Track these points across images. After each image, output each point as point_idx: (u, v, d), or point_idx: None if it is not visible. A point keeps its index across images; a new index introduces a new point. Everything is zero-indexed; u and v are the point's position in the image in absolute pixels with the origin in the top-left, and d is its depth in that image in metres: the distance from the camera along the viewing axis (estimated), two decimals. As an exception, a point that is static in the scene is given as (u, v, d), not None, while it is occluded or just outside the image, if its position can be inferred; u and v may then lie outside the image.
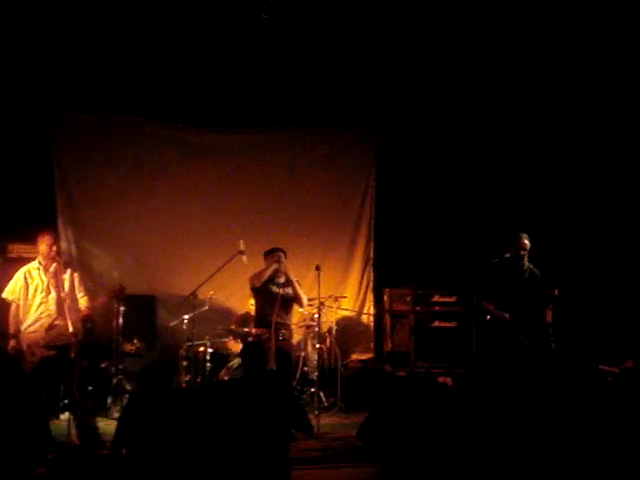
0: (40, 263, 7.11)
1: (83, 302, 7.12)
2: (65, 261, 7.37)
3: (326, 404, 8.87)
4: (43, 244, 7.08)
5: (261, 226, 10.14)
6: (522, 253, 7.81)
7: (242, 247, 8.59)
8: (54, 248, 7.08)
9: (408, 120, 10.46)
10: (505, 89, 9.81)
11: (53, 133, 9.89)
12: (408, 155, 10.58)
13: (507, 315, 7.67)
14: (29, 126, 9.65)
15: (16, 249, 8.88)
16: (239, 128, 10.46)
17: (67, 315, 6.74)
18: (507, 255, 7.96)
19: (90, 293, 7.45)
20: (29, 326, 6.96)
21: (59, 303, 6.91)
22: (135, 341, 9.12)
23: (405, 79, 9.87)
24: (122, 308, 8.52)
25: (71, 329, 6.66)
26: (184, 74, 9.52)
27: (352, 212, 10.76)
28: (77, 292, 7.11)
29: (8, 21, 8.36)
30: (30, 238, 8.67)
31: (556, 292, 7.66)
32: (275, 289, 8.12)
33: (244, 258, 8.54)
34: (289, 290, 8.19)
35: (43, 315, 6.97)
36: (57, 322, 6.92)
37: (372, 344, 10.50)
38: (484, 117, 10.25)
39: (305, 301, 8.32)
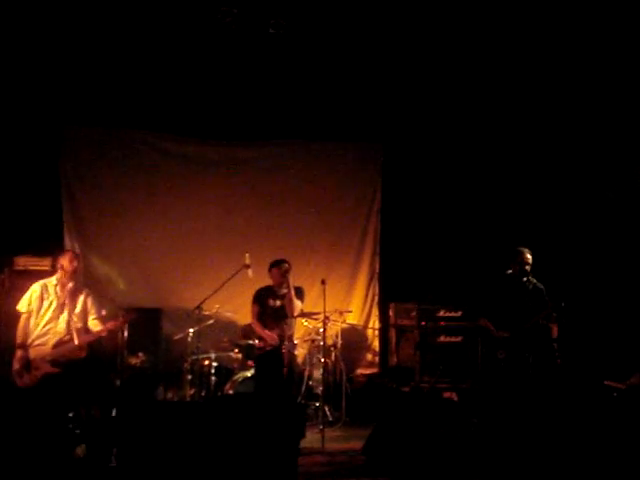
0: (58, 280, 7.11)
1: (94, 324, 7.12)
2: (82, 282, 7.35)
3: (331, 419, 8.85)
4: (65, 259, 7.10)
5: (267, 240, 10.15)
6: (525, 268, 7.77)
7: (248, 261, 8.59)
8: (75, 264, 7.09)
9: (414, 134, 10.49)
10: (511, 103, 9.82)
11: (60, 146, 9.95)
12: (414, 169, 10.60)
13: (505, 334, 7.63)
14: (36, 139, 9.71)
15: (23, 262, 8.89)
16: (245, 142, 10.50)
17: (75, 335, 6.79)
18: (510, 271, 7.93)
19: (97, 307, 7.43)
20: (36, 339, 6.96)
21: (69, 322, 6.93)
22: (140, 354, 9.11)
23: (411, 93, 9.90)
24: (128, 309, 8.49)
25: (76, 342, 6.69)
26: (191, 88, 9.58)
27: (358, 226, 10.77)
28: (89, 314, 7.14)
29: (17, 35, 8.42)
30: (37, 251, 8.74)
31: (562, 305, 7.61)
32: (272, 302, 8.11)
33: (250, 272, 8.53)
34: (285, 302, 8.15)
35: (51, 331, 6.98)
36: (65, 340, 6.93)
37: (377, 359, 10.50)
38: (491, 131, 10.25)
39: (293, 312, 8.10)
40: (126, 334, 8.51)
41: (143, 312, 9.39)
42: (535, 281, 7.84)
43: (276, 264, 8.15)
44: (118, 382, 8.71)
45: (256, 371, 8.29)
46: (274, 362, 7.86)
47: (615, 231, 9.83)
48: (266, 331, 8.00)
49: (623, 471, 5.81)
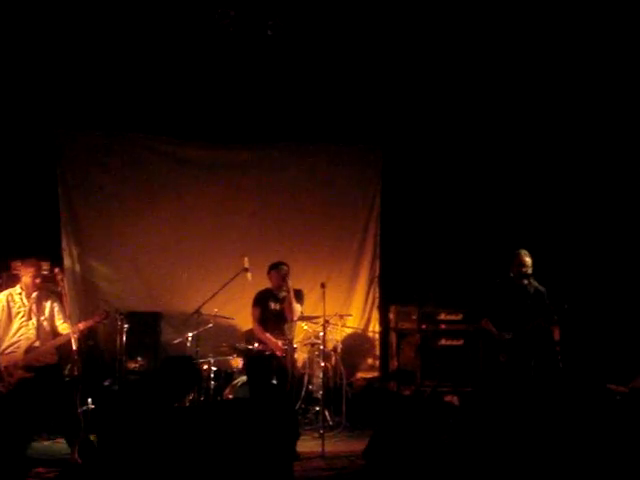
0: (22, 288, 7.15)
1: (65, 328, 7.13)
2: (46, 288, 7.39)
3: (331, 423, 8.80)
4: (27, 275, 7.17)
5: (266, 243, 10.10)
6: (524, 270, 7.67)
7: (247, 264, 8.55)
8: (37, 281, 7.15)
9: (414, 136, 10.45)
10: (511, 105, 9.81)
11: (58, 150, 9.92)
12: (414, 172, 10.56)
13: (508, 335, 7.57)
14: (34, 143, 9.68)
15: (19, 266, 8.85)
16: (244, 145, 10.47)
17: (48, 339, 6.96)
18: (511, 274, 7.86)
19: (93, 310, 7.41)
20: (7, 347, 7.01)
21: (38, 328, 7.02)
22: (139, 359, 9.07)
23: (411, 95, 9.88)
24: (126, 325, 8.47)
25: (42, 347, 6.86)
26: (189, 90, 9.55)
27: (357, 229, 10.72)
28: (57, 320, 7.18)
29: (15, 39, 8.41)
30: (34, 255, 8.68)
31: (564, 308, 7.55)
32: (272, 305, 8.05)
33: (249, 275, 8.49)
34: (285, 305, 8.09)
35: (22, 338, 7.06)
36: (36, 345, 6.97)
37: (378, 362, 10.43)
38: (491, 133, 10.23)
39: (293, 316, 8.01)
40: (125, 338, 8.53)
41: (141, 316, 9.41)
42: (537, 284, 7.76)
43: (275, 267, 8.08)
44: (116, 387, 8.70)
45: (249, 373, 8.20)
46: (269, 366, 7.79)
47: (617, 233, 9.81)
48: (271, 338, 7.91)
49: (626, 474, 5.75)
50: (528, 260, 7.67)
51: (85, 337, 7.29)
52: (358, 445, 7.18)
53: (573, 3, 8.00)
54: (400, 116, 10.30)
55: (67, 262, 9.64)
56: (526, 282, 7.69)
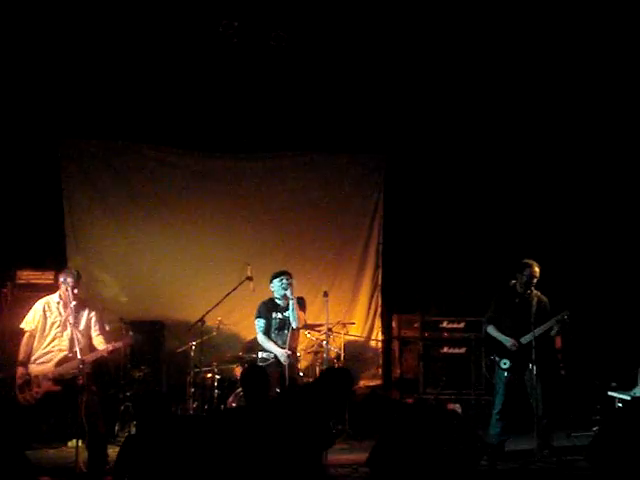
0: (60, 297, 7.07)
1: (99, 341, 7.07)
2: (84, 299, 7.29)
3: (334, 431, 8.80)
4: (64, 286, 6.98)
5: (268, 252, 10.15)
6: (533, 281, 7.69)
7: (250, 273, 8.60)
8: (75, 292, 6.98)
9: (416, 145, 10.48)
10: (513, 112, 9.85)
11: (62, 159, 9.95)
12: (416, 180, 10.58)
13: (513, 340, 7.59)
14: (38, 152, 9.71)
15: (25, 275, 8.89)
16: (248, 154, 10.49)
17: (79, 353, 6.73)
18: (514, 282, 7.88)
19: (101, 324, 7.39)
20: (39, 357, 6.93)
21: (72, 340, 6.85)
22: (143, 367, 9.08)
23: (414, 104, 9.91)
24: (130, 334, 8.49)
25: (80, 356, 6.66)
26: (193, 100, 9.59)
27: (360, 238, 10.74)
28: (93, 331, 7.09)
29: (17, 48, 8.45)
30: (39, 264, 8.74)
31: (566, 318, 7.56)
32: (275, 314, 8.08)
33: (252, 284, 8.54)
34: (288, 314, 8.11)
35: (55, 349, 6.94)
36: (68, 357, 6.89)
37: (380, 370, 10.46)
38: (493, 142, 10.26)
39: (296, 323, 8.00)
40: (129, 348, 8.55)
41: (145, 325, 9.44)
42: (539, 293, 7.78)
43: (277, 276, 8.12)
44: (121, 395, 8.73)
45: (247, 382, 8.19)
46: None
47: (616, 240, 9.85)
48: (276, 346, 7.95)
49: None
50: (538, 271, 7.67)
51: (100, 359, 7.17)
52: (361, 453, 7.21)
53: (571, 10, 8.04)
54: (403, 125, 10.33)
55: (71, 271, 9.66)
56: (529, 291, 7.71)
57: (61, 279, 7.04)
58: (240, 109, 9.77)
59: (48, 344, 6.94)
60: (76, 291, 6.99)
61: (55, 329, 6.96)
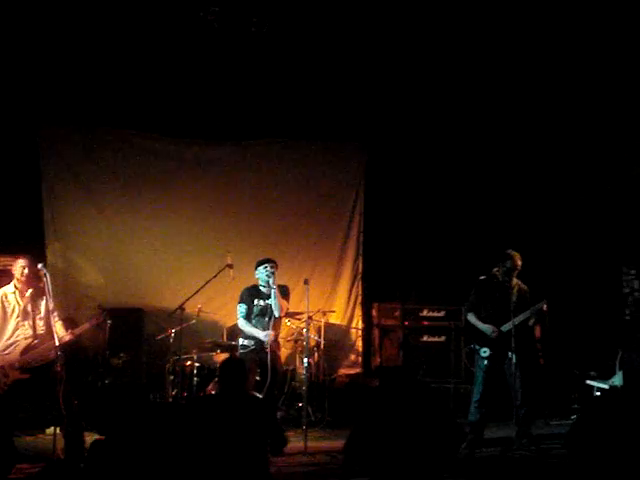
0: (16, 287, 7.04)
1: (59, 326, 7.04)
2: (40, 286, 7.21)
3: (313, 419, 8.82)
4: (18, 272, 6.94)
5: (249, 239, 10.14)
6: (514, 273, 7.72)
7: (230, 261, 8.57)
8: (25, 272, 6.90)
9: (398, 134, 10.48)
10: (496, 99, 9.86)
11: (41, 145, 9.87)
12: (397, 169, 10.59)
13: (493, 327, 7.61)
14: (17, 138, 9.63)
15: (2, 261, 8.80)
16: (228, 141, 10.47)
17: (44, 338, 6.74)
18: (495, 270, 7.89)
19: (76, 306, 7.35)
20: (4, 348, 6.90)
21: (35, 327, 6.85)
22: (122, 355, 9.05)
23: (395, 93, 9.90)
24: (109, 321, 8.43)
25: (53, 347, 6.62)
26: (173, 86, 9.53)
27: (341, 226, 10.75)
28: (52, 318, 7.03)
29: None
30: (17, 251, 8.62)
31: (545, 308, 7.59)
32: (258, 302, 8.07)
33: (232, 272, 8.52)
34: (270, 301, 8.11)
35: (19, 338, 6.91)
36: (33, 345, 6.87)
37: (360, 359, 10.48)
38: (475, 131, 10.28)
39: (279, 312, 7.97)
40: (107, 334, 8.51)
41: (124, 312, 9.39)
42: (519, 282, 7.80)
43: (262, 263, 8.11)
44: (99, 383, 8.69)
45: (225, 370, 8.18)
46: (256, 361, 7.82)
47: (597, 231, 9.90)
48: (257, 329, 7.94)
49: (605, 470, 5.80)
50: (520, 263, 7.68)
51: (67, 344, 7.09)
52: (340, 441, 7.21)
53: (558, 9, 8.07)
54: (384, 113, 10.32)
55: (50, 258, 9.60)
56: (510, 280, 7.73)
57: (13, 264, 7.02)
58: (220, 96, 9.71)
59: (11, 334, 6.92)
60: (30, 276, 6.90)
61: (15, 319, 6.93)
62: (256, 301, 8.04)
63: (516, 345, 7.44)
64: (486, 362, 7.61)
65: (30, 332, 6.89)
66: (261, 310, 8.03)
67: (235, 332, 9.00)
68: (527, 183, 10.26)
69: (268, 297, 8.02)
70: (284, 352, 9.18)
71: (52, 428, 7.00)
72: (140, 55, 8.94)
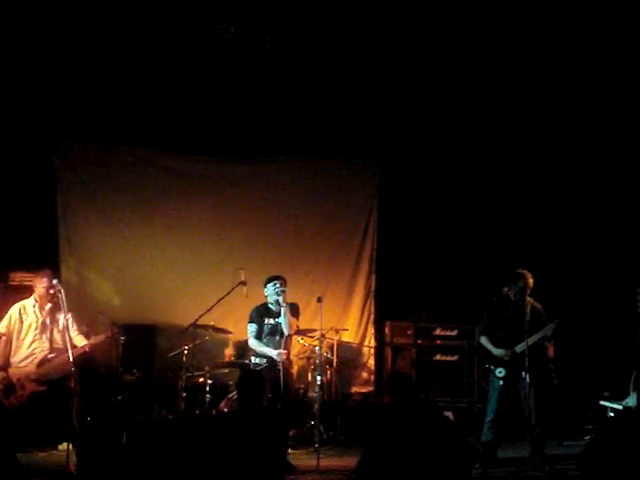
0: (36, 300, 7.09)
1: (78, 340, 7.08)
2: (60, 300, 7.25)
3: (326, 437, 8.79)
4: (40, 286, 7.07)
5: (262, 257, 10.11)
6: (526, 292, 7.71)
7: (243, 278, 8.59)
8: (51, 292, 7.01)
9: (410, 152, 10.48)
10: (512, 116, 9.85)
11: (56, 162, 9.93)
12: (410, 187, 10.58)
13: (506, 352, 7.59)
14: (32, 155, 9.70)
15: (18, 277, 8.86)
16: (241, 158, 10.49)
17: (60, 352, 6.79)
18: (506, 290, 7.88)
19: (90, 322, 7.39)
20: (20, 361, 6.95)
21: (52, 340, 6.90)
22: (134, 371, 9.04)
23: (408, 111, 9.92)
24: (122, 338, 8.45)
25: (69, 360, 6.63)
26: (187, 104, 9.58)
27: (354, 244, 10.72)
28: (72, 331, 7.08)
29: (12, 50, 8.43)
30: (32, 266, 8.69)
31: (558, 327, 7.57)
32: (268, 320, 8.07)
33: (245, 289, 8.53)
34: (280, 320, 8.08)
35: (36, 351, 7.00)
36: (50, 357, 6.90)
37: (372, 377, 10.44)
38: (487, 151, 10.27)
39: (288, 330, 8.04)
40: (120, 350, 8.52)
41: (138, 328, 9.41)
42: (532, 301, 7.79)
43: (271, 280, 8.12)
44: (113, 399, 8.69)
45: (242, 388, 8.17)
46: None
47: (611, 250, 9.87)
48: (269, 348, 7.94)
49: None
50: (532, 282, 7.69)
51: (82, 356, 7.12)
52: (353, 460, 7.18)
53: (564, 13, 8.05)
54: (397, 131, 10.33)
55: (65, 274, 9.64)
56: (523, 300, 7.72)
57: (36, 280, 7.07)
58: (234, 114, 9.76)
59: (28, 347, 6.97)
60: (51, 291, 7.00)
61: (33, 332, 7.00)
62: (266, 320, 8.06)
63: (530, 365, 7.43)
64: (501, 382, 7.60)
65: (47, 345, 6.96)
66: (271, 329, 8.04)
67: (243, 348, 9.01)
68: (541, 202, 10.24)
69: (278, 315, 8.04)
70: (296, 370, 9.17)
71: (65, 444, 7.00)
72: (157, 74, 9.01)
